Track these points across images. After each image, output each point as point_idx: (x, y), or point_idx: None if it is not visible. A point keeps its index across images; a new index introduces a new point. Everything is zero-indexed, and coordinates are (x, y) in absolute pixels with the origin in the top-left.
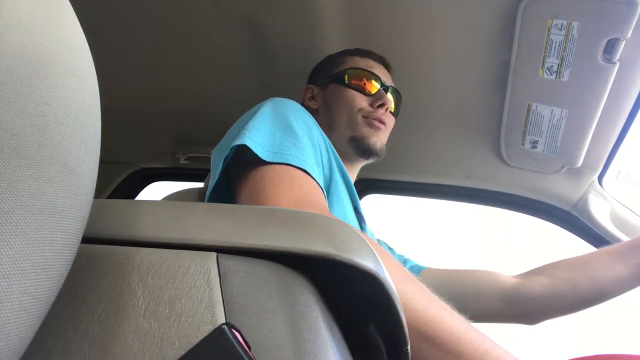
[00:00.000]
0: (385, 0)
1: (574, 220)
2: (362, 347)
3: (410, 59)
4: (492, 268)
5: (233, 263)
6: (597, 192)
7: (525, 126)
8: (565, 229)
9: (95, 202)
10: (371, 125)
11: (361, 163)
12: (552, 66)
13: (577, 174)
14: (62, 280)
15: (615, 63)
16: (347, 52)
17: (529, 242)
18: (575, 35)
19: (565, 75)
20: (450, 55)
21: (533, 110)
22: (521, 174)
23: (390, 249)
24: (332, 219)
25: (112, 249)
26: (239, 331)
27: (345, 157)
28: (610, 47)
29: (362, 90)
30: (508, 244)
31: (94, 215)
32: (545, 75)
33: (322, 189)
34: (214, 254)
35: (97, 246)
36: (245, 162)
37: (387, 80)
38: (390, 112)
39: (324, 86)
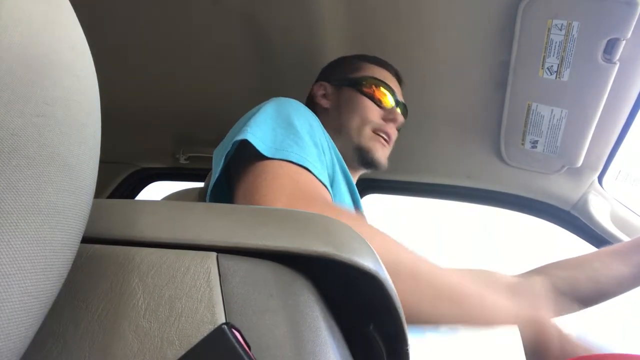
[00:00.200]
0: (386, 0)
1: (574, 220)
2: (362, 347)
3: (410, 59)
4: (492, 268)
5: (233, 263)
6: (597, 192)
7: (525, 126)
8: (565, 229)
9: (95, 202)
10: (379, 140)
11: (362, 171)
12: (552, 66)
13: (577, 174)
14: (62, 280)
15: (615, 63)
16: (365, 58)
17: (529, 242)
18: (575, 35)
19: (565, 75)
20: (451, 55)
21: (533, 110)
22: (521, 174)
23: None
24: (332, 219)
25: (112, 249)
26: (239, 331)
27: (348, 162)
28: (610, 47)
29: (376, 102)
30: (508, 244)
31: (94, 215)
32: (545, 75)
33: (325, 185)
34: (214, 254)
35: (97, 246)
36: (246, 157)
37: (399, 95)
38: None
39: (338, 87)
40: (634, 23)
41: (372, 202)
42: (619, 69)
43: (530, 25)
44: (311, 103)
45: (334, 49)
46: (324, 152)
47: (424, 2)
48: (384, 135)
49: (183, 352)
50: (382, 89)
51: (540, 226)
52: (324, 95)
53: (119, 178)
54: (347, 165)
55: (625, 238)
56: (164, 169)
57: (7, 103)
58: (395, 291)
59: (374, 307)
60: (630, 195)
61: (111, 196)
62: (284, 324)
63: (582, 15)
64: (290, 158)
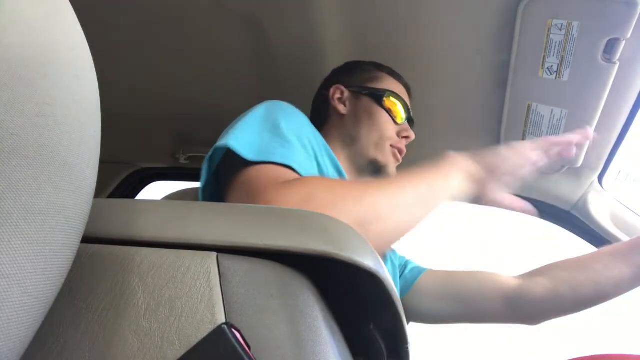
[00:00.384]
0: (386, 1)
1: (574, 220)
2: (362, 346)
3: (410, 59)
4: (493, 269)
5: (233, 263)
6: (597, 192)
7: (525, 126)
8: (566, 229)
9: (95, 202)
10: (395, 156)
11: (366, 177)
12: (552, 66)
13: (577, 174)
14: (62, 280)
15: (615, 63)
16: (382, 68)
17: (530, 242)
18: (575, 35)
19: (565, 75)
20: (450, 55)
21: (533, 110)
22: None
23: (391, 250)
24: (332, 219)
25: (112, 249)
26: (239, 331)
27: (356, 169)
28: (610, 47)
29: (393, 117)
30: (509, 245)
31: (94, 215)
32: (545, 75)
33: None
34: (214, 254)
35: (97, 246)
36: (231, 162)
37: (411, 110)
38: None
39: (357, 95)
40: (634, 23)
41: None
42: (619, 69)
43: (530, 25)
44: (325, 104)
45: (334, 50)
46: (315, 153)
47: (424, 2)
48: (399, 154)
49: (183, 352)
50: (400, 105)
51: (540, 226)
52: (341, 100)
53: (119, 178)
54: (354, 171)
55: (625, 238)
56: (164, 169)
57: (7, 103)
58: (395, 290)
59: (374, 306)
60: (630, 195)
61: (111, 196)
62: (284, 324)
63: (582, 15)
64: (273, 159)
